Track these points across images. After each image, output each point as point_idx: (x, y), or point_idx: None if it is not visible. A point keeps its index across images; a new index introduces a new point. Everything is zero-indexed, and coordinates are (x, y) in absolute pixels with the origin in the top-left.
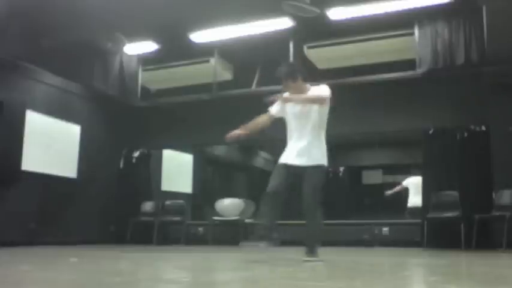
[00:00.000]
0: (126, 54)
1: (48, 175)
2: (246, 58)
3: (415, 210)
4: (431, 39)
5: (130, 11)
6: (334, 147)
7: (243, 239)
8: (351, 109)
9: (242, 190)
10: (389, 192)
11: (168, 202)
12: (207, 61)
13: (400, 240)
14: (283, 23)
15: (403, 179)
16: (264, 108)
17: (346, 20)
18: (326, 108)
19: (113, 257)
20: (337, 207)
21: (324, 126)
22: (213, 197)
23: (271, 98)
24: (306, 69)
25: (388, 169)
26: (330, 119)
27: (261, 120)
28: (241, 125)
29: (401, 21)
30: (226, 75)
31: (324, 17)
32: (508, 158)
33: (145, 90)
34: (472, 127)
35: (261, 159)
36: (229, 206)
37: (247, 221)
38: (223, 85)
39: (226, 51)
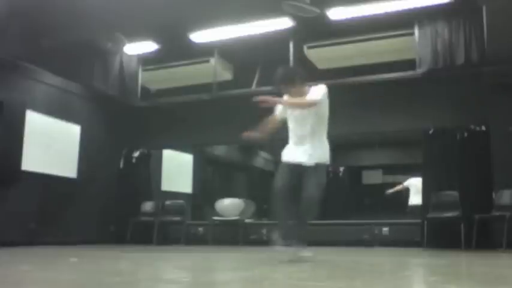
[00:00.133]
0: (126, 54)
1: (48, 175)
2: (246, 58)
3: (415, 208)
4: (431, 39)
5: (130, 11)
6: (335, 147)
7: (273, 243)
8: (351, 109)
9: (242, 190)
10: (390, 191)
11: (168, 202)
12: (207, 61)
13: (400, 240)
14: (283, 23)
15: (403, 179)
16: (264, 108)
17: (346, 20)
18: (323, 109)
19: (113, 257)
20: (337, 207)
21: (325, 126)
22: (213, 197)
23: (260, 98)
24: (305, 69)
25: (388, 169)
26: (331, 119)
27: (273, 121)
28: (240, 124)
29: (401, 21)
30: (226, 75)
31: (324, 17)
32: (508, 158)
33: (145, 90)
34: (472, 127)
35: (261, 159)
36: (229, 206)
37: (247, 221)
38: (223, 85)
39: (226, 51)
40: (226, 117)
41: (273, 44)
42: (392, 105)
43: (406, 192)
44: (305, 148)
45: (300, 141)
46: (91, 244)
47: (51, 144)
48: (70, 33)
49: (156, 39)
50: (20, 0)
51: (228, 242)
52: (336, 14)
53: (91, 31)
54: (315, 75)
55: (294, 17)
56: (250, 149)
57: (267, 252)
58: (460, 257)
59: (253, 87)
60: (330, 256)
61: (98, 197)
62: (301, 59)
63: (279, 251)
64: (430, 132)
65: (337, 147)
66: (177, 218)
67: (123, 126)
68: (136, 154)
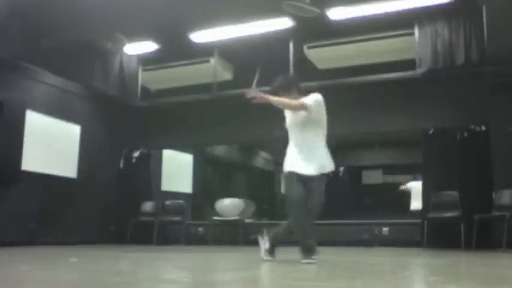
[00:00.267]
0: (126, 54)
1: (48, 175)
2: (246, 58)
3: (415, 213)
4: (431, 39)
5: (130, 11)
6: (335, 147)
7: (304, 257)
8: (350, 109)
9: (242, 190)
10: (402, 187)
11: (168, 202)
12: (207, 61)
13: (400, 240)
14: (283, 23)
15: (403, 179)
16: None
17: (346, 20)
18: (319, 116)
19: (113, 257)
20: (337, 207)
21: (324, 133)
22: (213, 197)
23: (249, 93)
24: (304, 75)
25: (388, 169)
26: (331, 119)
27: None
28: (240, 124)
29: (401, 21)
30: (226, 75)
31: (324, 17)
32: (508, 158)
33: (145, 90)
34: (472, 127)
35: (261, 159)
36: (229, 206)
37: (247, 221)
38: (223, 85)
39: (226, 51)
40: (226, 117)
41: (273, 44)
42: (392, 105)
43: (407, 194)
44: (309, 159)
45: (302, 150)
46: (91, 244)
47: (51, 144)
48: (70, 33)
49: (156, 39)
50: (20, 0)
51: (228, 242)
52: (336, 14)
53: (91, 31)
54: (315, 75)
55: (294, 17)
56: (250, 149)
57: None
58: (460, 257)
59: (253, 87)
60: (330, 256)
61: (98, 197)
62: (301, 59)
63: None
64: (430, 132)
65: (337, 147)
66: (177, 218)
67: (123, 126)
68: (136, 154)
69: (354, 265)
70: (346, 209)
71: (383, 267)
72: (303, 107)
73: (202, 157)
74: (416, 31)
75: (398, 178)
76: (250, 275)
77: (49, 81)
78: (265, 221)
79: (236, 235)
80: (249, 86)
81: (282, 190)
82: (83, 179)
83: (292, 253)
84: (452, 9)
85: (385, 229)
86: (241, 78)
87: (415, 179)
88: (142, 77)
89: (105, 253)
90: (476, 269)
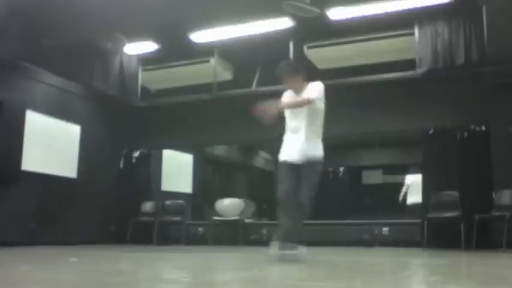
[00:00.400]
0: (126, 54)
1: (48, 175)
2: (246, 58)
3: (414, 207)
4: (431, 39)
5: (130, 11)
6: (335, 147)
7: (276, 249)
8: (350, 109)
9: (242, 190)
10: (404, 188)
11: (168, 202)
12: (207, 61)
13: (400, 240)
14: (283, 23)
15: (403, 179)
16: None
17: (346, 20)
18: (318, 104)
19: (113, 257)
20: (337, 207)
21: (320, 122)
22: (213, 197)
23: (257, 108)
24: (306, 68)
25: (388, 169)
26: (331, 119)
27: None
28: (240, 124)
29: (401, 21)
30: (226, 75)
31: (324, 17)
32: (508, 158)
33: (145, 90)
34: (472, 127)
35: (261, 159)
36: (229, 206)
37: (247, 221)
38: (223, 85)
39: (226, 51)
40: (226, 117)
41: (273, 44)
42: (392, 105)
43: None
44: (298, 141)
45: (294, 132)
46: (91, 244)
47: (51, 144)
48: (70, 33)
49: (156, 39)
50: (20, 0)
51: (228, 242)
52: (336, 14)
53: (91, 31)
54: (315, 75)
55: (294, 17)
56: (250, 149)
57: (267, 252)
58: (460, 257)
59: (253, 87)
60: (330, 256)
61: (98, 197)
62: (301, 59)
63: (269, 252)
64: (430, 132)
65: (337, 147)
66: (177, 218)
67: (123, 126)
68: (136, 154)
69: (354, 265)
70: (346, 209)
71: (383, 267)
72: (309, 102)
73: (202, 157)
74: (416, 31)
75: (398, 178)
76: (250, 275)
77: (49, 81)
78: (265, 221)
79: (236, 235)
80: (249, 86)
81: None
82: (83, 179)
83: None
84: (452, 9)
85: (385, 229)
86: (241, 78)
87: (411, 174)
88: (142, 77)
89: (105, 253)
90: (476, 269)
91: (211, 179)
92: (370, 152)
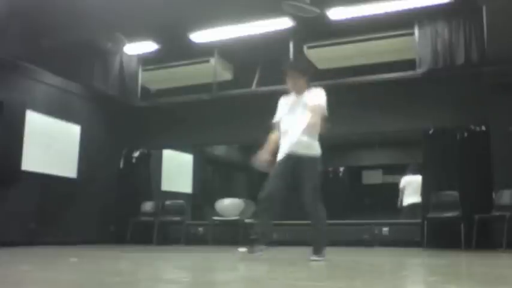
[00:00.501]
0: (126, 54)
1: (48, 175)
2: (246, 58)
3: (412, 208)
4: (431, 39)
5: (130, 11)
6: (335, 147)
7: (242, 245)
8: (350, 109)
9: (242, 190)
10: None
11: (168, 202)
12: (207, 61)
13: (400, 240)
14: (283, 23)
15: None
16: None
17: (346, 20)
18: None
19: (113, 257)
20: (337, 207)
21: (317, 128)
22: (213, 197)
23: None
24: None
25: (388, 169)
26: (331, 119)
27: (274, 137)
28: (240, 124)
29: (401, 21)
30: (226, 75)
31: (324, 17)
32: (508, 158)
33: (145, 90)
34: (472, 127)
35: None
36: (229, 206)
37: (247, 221)
38: (223, 85)
39: (226, 51)
40: (226, 117)
41: (273, 44)
42: (392, 105)
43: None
44: (292, 135)
45: (288, 128)
46: (91, 244)
47: (51, 144)
48: (70, 33)
49: (156, 39)
50: (20, 0)
51: (228, 242)
52: (336, 14)
53: (91, 31)
54: (314, 75)
55: (294, 17)
56: (250, 149)
57: (267, 252)
58: (460, 257)
59: (253, 87)
60: (330, 256)
61: (98, 197)
62: (306, 61)
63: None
64: (430, 132)
65: (337, 147)
66: (177, 218)
67: (123, 126)
68: (136, 154)
69: (354, 265)
70: (346, 209)
71: (383, 267)
72: (323, 115)
73: (202, 157)
74: (416, 31)
75: (398, 178)
76: (250, 275)
77: (49, 81)
78: None
79: (236, 235)
80: (249, 86)
81: None
82: (83, 179)
83: (292, 253)
84: (452, 9)
85: (385, 229)
86: (241, 78)
87: (408, 174)
88: (142, 77)
89: (105, 253)
90: (476, 269)
91: (211, 179)
92: (370, 152)
